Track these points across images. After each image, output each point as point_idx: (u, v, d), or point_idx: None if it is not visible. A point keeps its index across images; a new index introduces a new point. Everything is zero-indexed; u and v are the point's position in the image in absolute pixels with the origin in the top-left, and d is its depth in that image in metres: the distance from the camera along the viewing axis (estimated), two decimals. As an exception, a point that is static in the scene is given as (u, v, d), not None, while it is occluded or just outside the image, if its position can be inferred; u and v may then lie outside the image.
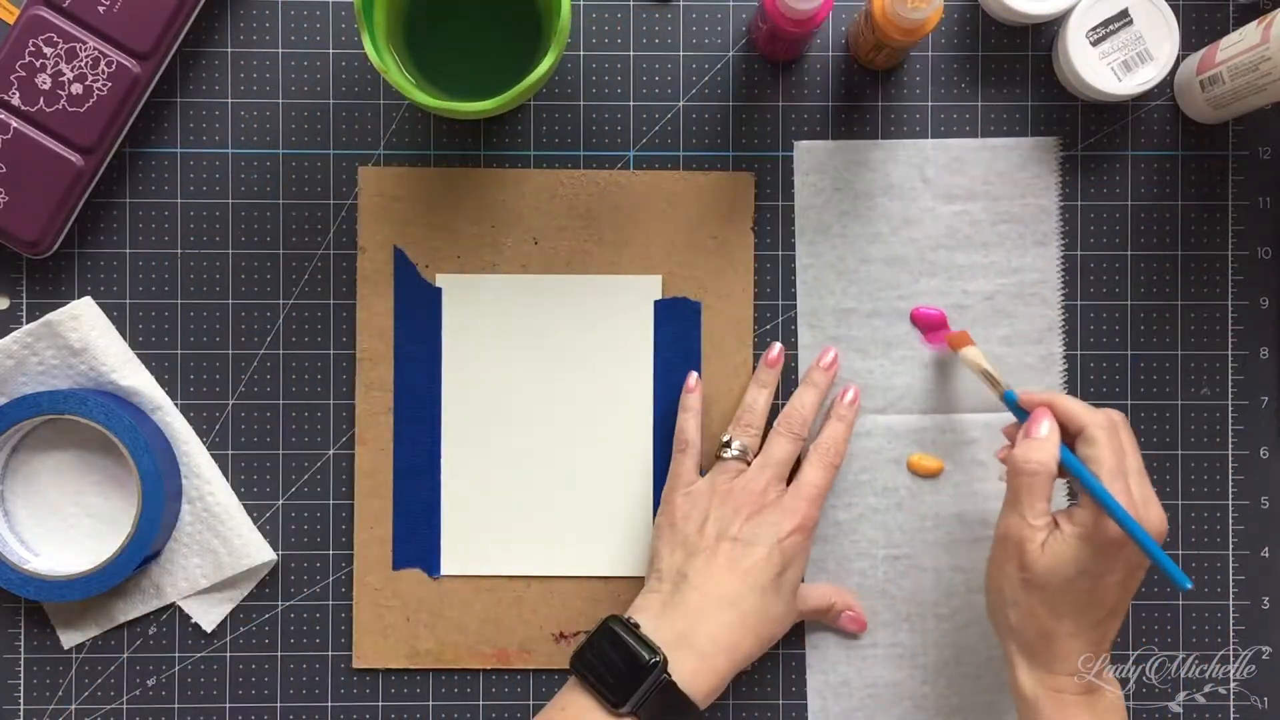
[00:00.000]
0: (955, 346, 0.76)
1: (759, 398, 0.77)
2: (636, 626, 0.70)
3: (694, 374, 0.77)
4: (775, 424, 0.76)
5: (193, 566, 0.78)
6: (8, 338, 0.77)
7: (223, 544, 0.77)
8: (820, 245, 0.79)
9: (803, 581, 0.76)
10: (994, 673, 0.79)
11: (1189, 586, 0.63)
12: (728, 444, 0.76)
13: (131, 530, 0.74)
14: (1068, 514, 0.66)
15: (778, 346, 0.77)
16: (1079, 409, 0.68)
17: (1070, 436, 0.69)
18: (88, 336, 0.76)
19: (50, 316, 0.77)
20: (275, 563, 0.78)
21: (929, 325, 0.78)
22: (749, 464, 0.75)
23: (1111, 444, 0.67)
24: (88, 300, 0.78)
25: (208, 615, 0.78)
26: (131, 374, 0.77)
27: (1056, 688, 0.67)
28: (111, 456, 0.77)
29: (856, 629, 0.78)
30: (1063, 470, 0.68)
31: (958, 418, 0.79)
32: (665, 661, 0.68)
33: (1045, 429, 0.68)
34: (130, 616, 0.78)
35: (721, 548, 0.72)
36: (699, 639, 0.69)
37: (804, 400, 0.76)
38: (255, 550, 0.78)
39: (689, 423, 0.76)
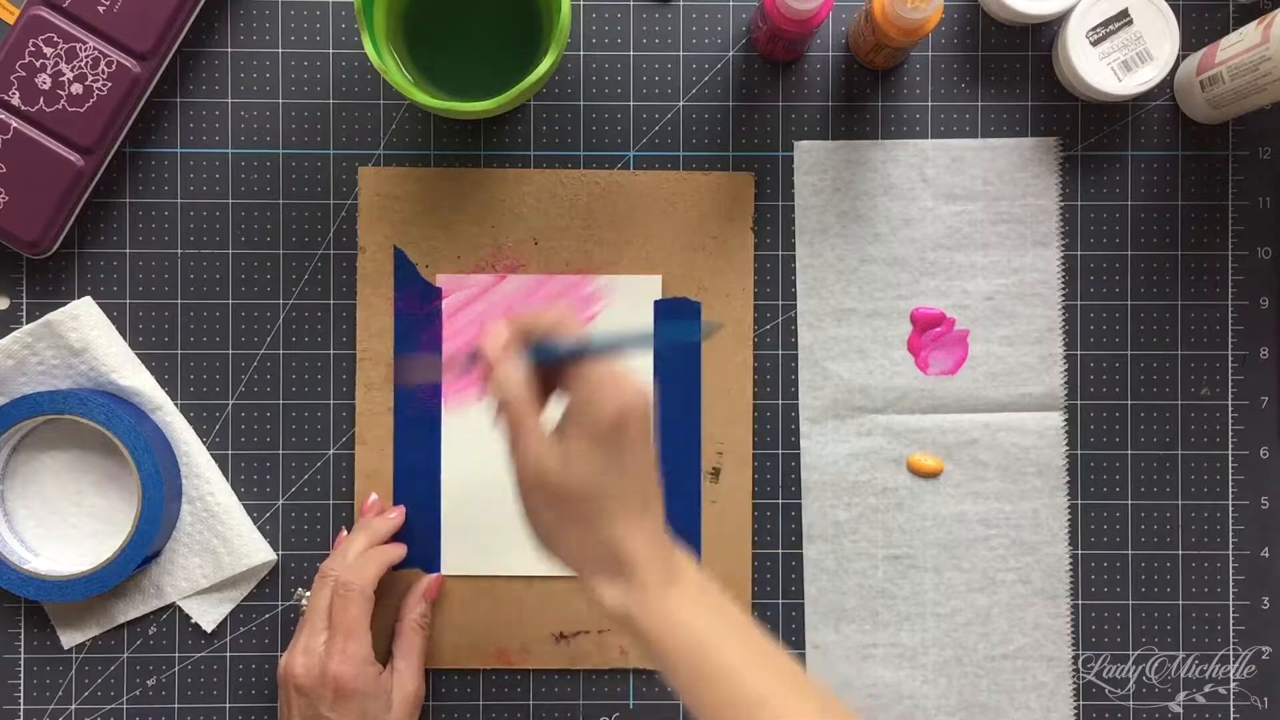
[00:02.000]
0: None
1: (353, 541, 0.76)
2: None
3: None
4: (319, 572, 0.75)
5: (193, 566, 0.78)
6: (8, 338, 0.77)
7: (223, 544, 0.77)
8: (820, 245, 0.79)
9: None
10: (993, 673, 0.79)
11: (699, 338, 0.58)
12: (297, 596, 0.78)
13: (131, 530, 0.74)
14: (559, 429, 0.62)
15: (372, 497, 0.79)
16: (534, 319, 0.63)
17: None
18: (88, 336, 0.76)
19: (50, 316, 0.77)
20: (275, 563, 0.78)
21: (929, 325, 0.79)
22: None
23: (571, 323, 0.63)
24: (88, 300, 0.78)
25: (208, 615, 0.78)
26: (131, 374, 0.77)
27: (642, 591, 0.62)
28: (111, 456, 0.77)
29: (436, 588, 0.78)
30: (555, 372, 0.63)
31: (958, 418, 0.79)
32: None
33: (495, 347, 0.63)
34: (130, 616, 0.78)
35: None
36: None
37: (351, 545, 0.76)
38: (255, 550, 0.78)
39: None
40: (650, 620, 0.62)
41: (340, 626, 0.71)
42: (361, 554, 0.75)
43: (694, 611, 0.62)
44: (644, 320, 0.76)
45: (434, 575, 0.78)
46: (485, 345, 0.63)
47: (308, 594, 0.76)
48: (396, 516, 0.77)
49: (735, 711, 0.60)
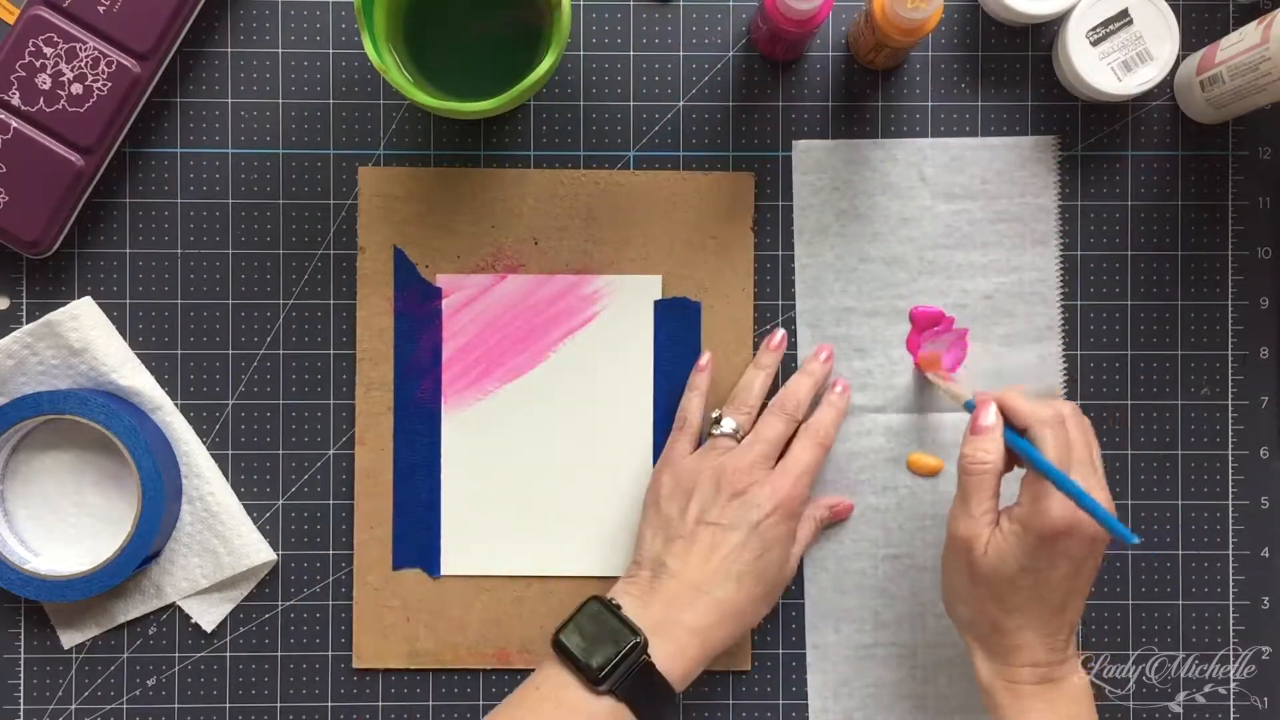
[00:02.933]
0: (925, 369, 0.77)
1: (755, 379, 0.77)
2: (619, 608, 0.70)
3: (707, 354, 0.78)
4: (769, 405, 0.76)
5: (193, 566, 0.78)
6: (8, 338, 0.77)
7: (223, 544, 0.77)
8: (819, 245, 0.79)
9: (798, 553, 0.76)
10: (994, 673, 0.79)
11: (1136, 540, 0.61)
12: (718, 421, 0.76)
13: (131, 530, 0.74)
14: (1008, 510, 0.67)
15: (780, 332, 0.78)
16: (1024, 406, 0.68)
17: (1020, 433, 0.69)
18: (88, 336, 0.77)
19: (50, 316, 0.77)
20: (275, 563, 0.78)
21: (928, 324, 0.79)
22: (739, 443, 0.75)
23: (1056, 438, 0.66)
24: (88, 300, 0.78)
25: (208, 615, 0.78)
26: (131, 374, 0.77)
27: (1012, 679, 0.67)
28: (111, 456, 0.77)
29: (845, 513, 0.79)
30: (1019, 460, 0.68)
31: (958, 417, 0.79)
32: (646, 643, 0.68)
33: (989, 420, 0.68)
34: (130, 616, 0.78)
35: (700, 533, 0.71)
36: (676, 628, 0.69)
37: (799, 385, 0.76)
38: (255, 550, 0.78)
39: (693, 402, 0.77)
40: (1004, 705, 0.67)
41: (798, 463, 0.73)
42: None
43: (1049, 716, 0.66)
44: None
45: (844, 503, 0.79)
46: (984, 411, 0.68)
47: (727, 417, 0.76)
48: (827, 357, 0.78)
49: None
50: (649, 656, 0.68)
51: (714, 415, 0.76)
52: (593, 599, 0.70)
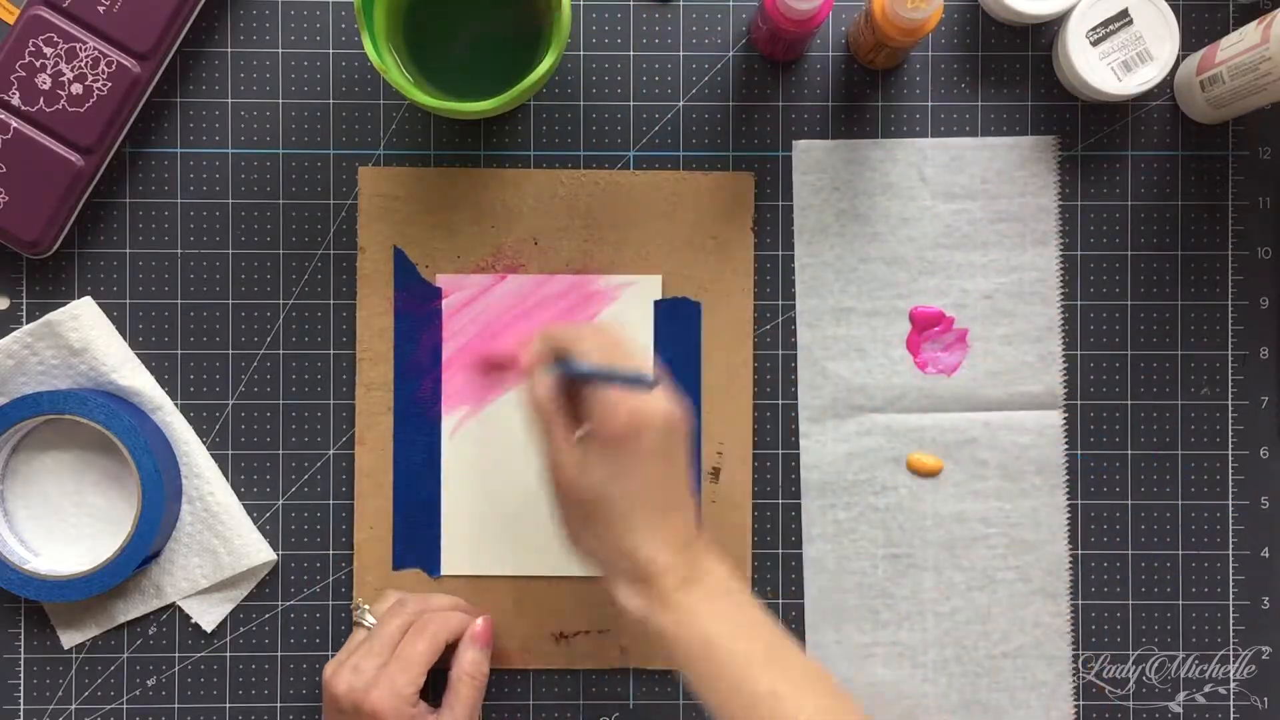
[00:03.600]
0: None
1: (440, 597, 0.77)
2: None
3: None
4: (394, 604, 0.76)
5: (193, 566, 0.78)
6: (8, 338, 0.77)
7: (223, 544, 0.77)
8: (819, 245, 0.79)
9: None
10: (994, 672, 0.79)
11: (649, 380, 0.62)
12: (361, 608, 0.76)
13: (131, 530, 0.74)
14: (584, 436, 0.66)
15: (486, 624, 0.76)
16: (559, 332, 0.67)
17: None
18: (88, 336, 0.77)
19: (50, 316, 0.77)
20: (275, 563, 0.78)
21: (928, 324, 0.79)
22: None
23: (593, 343, 0.65)
24: (88, 300, 0.78)
25: (208, 615, 0.78)
26: (131, 374, 0.77)
27: (659, 594, 0.64)
28: (111, 456, 0.77)
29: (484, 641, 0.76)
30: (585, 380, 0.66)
31: (957, 417, 0.79)
32: None
33: (528, 359, 0.67)
34: (130, 616, 0.78)
35: None
36: None
37: (438, 598, 0.77)
38: (255, 550, 0.78)
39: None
40: (664, 622, 0.64)
41: (402, 656, 0.71)
42: (449, 608, 0.76)
43: (709, 611, 0.64)
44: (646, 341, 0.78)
45: (483, 618, 0.76)
46: (522, 354, 0.67)
47: (368, 607, 0.76)
48: (481, 621, 0.76)
49: (745, 706, 0.62)
50: None
51: (360, 603, 0.76)
52: None
